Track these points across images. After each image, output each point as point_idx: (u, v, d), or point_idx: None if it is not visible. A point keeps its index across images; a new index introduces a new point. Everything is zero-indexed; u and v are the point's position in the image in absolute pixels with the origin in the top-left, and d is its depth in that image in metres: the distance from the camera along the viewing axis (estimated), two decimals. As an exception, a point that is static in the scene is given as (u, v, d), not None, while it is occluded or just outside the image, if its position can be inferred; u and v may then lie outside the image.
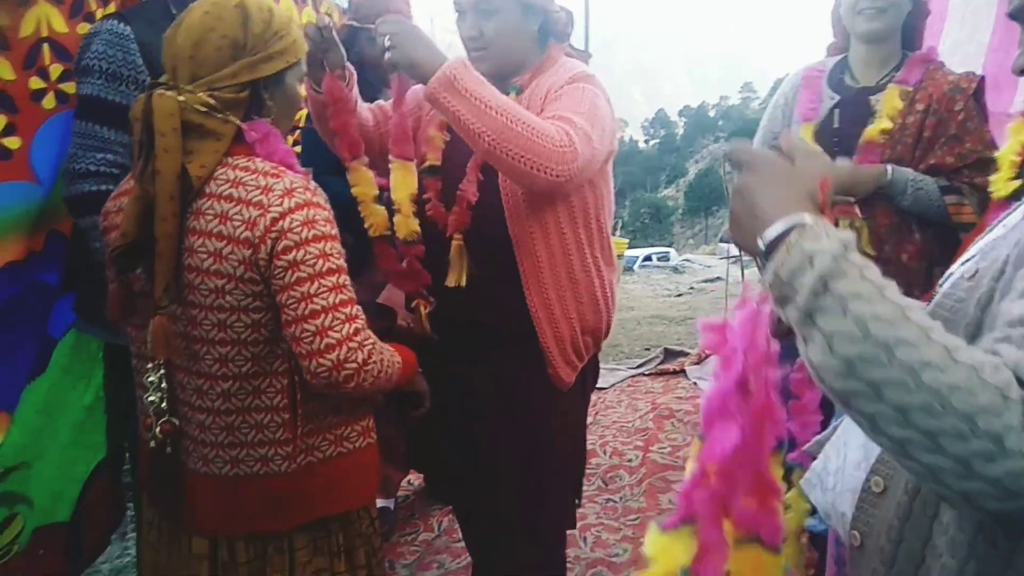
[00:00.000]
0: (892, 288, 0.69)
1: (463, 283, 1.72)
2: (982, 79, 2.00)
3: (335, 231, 1.31)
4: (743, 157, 0.84)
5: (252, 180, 1.27)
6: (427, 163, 1.78)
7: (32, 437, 1.87)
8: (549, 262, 1.72)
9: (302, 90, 1.48)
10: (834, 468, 1.02)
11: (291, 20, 1.37)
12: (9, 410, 1.81)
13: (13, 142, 1.76)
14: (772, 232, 0.75)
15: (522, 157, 1.47)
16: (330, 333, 1.26)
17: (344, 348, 1.27)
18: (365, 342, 1.31)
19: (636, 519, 2.94)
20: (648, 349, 5.61)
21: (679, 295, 8.20)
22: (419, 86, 1.69)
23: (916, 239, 1.94)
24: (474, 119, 1.46)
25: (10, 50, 1.72)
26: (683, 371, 4.86)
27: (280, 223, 1.24)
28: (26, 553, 1.91)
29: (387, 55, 1.51)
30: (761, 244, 0.76)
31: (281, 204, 1.25)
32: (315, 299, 1.26)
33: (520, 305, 1.72)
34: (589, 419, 3.72)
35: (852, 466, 0.96)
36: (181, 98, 1.25)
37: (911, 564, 0.83)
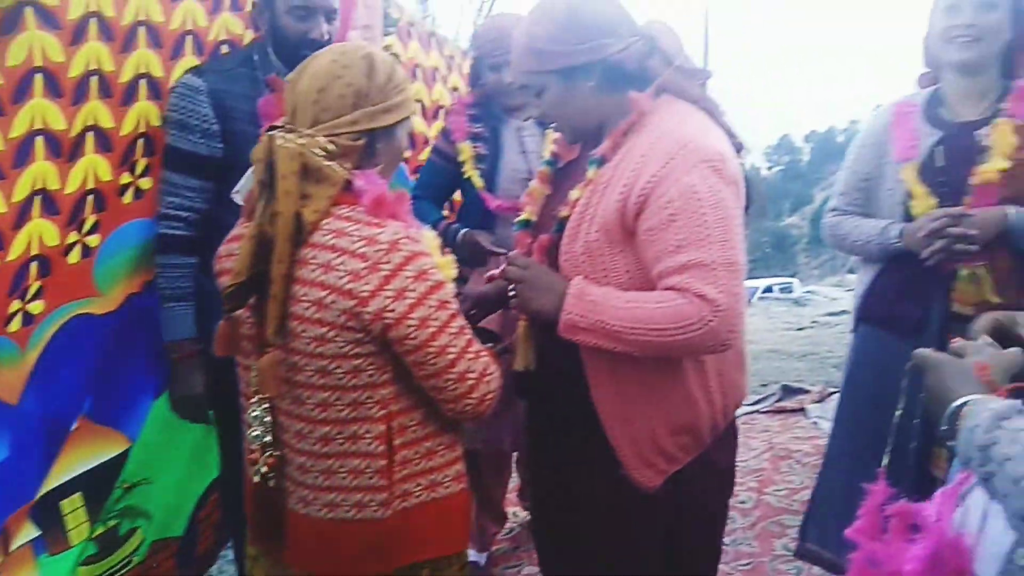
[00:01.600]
0: None
1: (532, 366, 1.59)
2: None
3: (442, 275, 1.33)
4: (922, 361, 1.03)
5: (355, 230, 1.28)
6: (522, 216, 1.66)
7: (154, 454, 1.98)
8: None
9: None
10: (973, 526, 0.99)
11: (407, 78, 1.41)
12: (123, 429, 1.92)
13: (147, 182, 1.93)
14: (948, 414, 0.91)
15: (672, 352, 1.43)
16: (469, 375, 1.34)
17: (483, 384, 1.36)
18: (494, 371, 1.39)
19: (748, 564, 2.82)
20: (765, 385, 5.38)
21: (800, 329, 7.85)
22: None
23: None
24: (611, 344, 1.41)
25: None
26: (802, 409, 4.61)
27: (393, 282, 1.26)
28: (144, 564, 2.02)
29: (512, 301, 1.53)
30: (943, 426, 0.91)
31: (390, 260, 1.26)
32: (448, 349, 1.31)
33: (587, 397, 1.51)
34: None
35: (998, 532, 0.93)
36: (302, 141, 1.28)
37: None
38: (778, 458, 3.86)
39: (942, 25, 1.86)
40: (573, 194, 1.50)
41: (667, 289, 1.39)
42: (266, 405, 1.34)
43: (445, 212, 2.69)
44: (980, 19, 1.80)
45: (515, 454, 2.82)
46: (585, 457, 1.56)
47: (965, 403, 0.89)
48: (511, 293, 1.52)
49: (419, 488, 1.38)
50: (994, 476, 0.81)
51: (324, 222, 1.29)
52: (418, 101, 3.04)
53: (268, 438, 1.35)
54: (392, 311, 1.25)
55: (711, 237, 1.36)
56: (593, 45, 1.44)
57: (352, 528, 1.36)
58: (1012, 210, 1.77)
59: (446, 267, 1.38)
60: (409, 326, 1.27)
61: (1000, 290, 1.81)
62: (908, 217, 1.92)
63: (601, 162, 1.48)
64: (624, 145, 1.47)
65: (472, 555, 2.72)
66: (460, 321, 1.34)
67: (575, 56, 1.44)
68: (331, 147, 1.29)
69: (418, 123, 3.01)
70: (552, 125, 1.63)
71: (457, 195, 2.69)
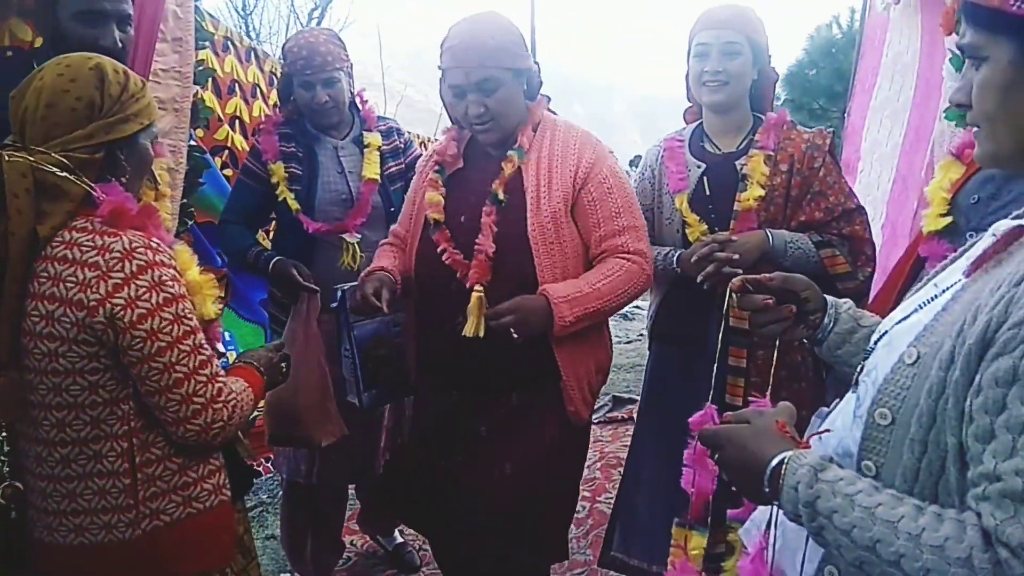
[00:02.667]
0: (862, 491, 0.81)
1: (481, 333, 1.78)
2: (832, 134, 2.09)
3: (183, 289, 1.30)
4: (712, 439, 1.00)
5: (88, 241, 1.24)
6: (431, 217, 1.89)
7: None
8: None
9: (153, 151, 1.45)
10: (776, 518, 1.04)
11: (145, 84, 1.37)
12: None
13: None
14: (767, 476, 0.90)
15: (627, 304, 1.89)
16: (195, 399, 1.29)
17: (210, 411, 1.30)
18: (228, 399, 1.33)
19: (583, 572, 2.86)
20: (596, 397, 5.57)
21: (628, 342, 8.20)
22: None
23: None
24: (590, 320, 1.79)
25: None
26: (631, 418, 4.81)
27: (124, 290, 1.22)
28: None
29: (514, 336, 1.72)
30: (766, 488, 0.90)
31: (122, 268, 1.23)
32: (177, 367, 1.27)
33: (544, 350, 1.81)
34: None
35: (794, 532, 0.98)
36: (33, 158, 1.22)
37: None
38: (609, 467, 4.00)
39: (694, 70, 2.05)
40: (504, 171, 1.83)
41: (606, 251, 1.83)
42: (2, 434, 1.29)
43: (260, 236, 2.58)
44: (725, 65, 1.97)
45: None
46: (541, 404, 1.86)
47: (781, 461, 0.89)
48: (514, 334, 1.73)
49: (171, 505, 1.35)
50: (824, 529, 0.82)
51: (58, 235, 1.25)
52: (237, 118, 2.93)
53: (5, 468, 1.29)
54: (121, 318, 1.22)
55: (633, 207, 1.88)
56: (527, 56, 1.83)
57: (102, 551, 1.31)
58: (770, 232, 1.97)
59: (205, 286, 1.37)
60: (136, 337, 1.23)
61: None
62: (686, 243, 2.07)
63: (522, 153, 1.85)
64: (535, 141, 1.86)
65: None
66: (196, 340, 1.30)
67: (522, 60, 1.81)
68: (65, 162, 1.24)
69: (239, 141, 2.89)
70: (488, 123, 1.82)
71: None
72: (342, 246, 2.38)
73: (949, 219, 1.52)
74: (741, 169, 2.03)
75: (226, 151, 2.85)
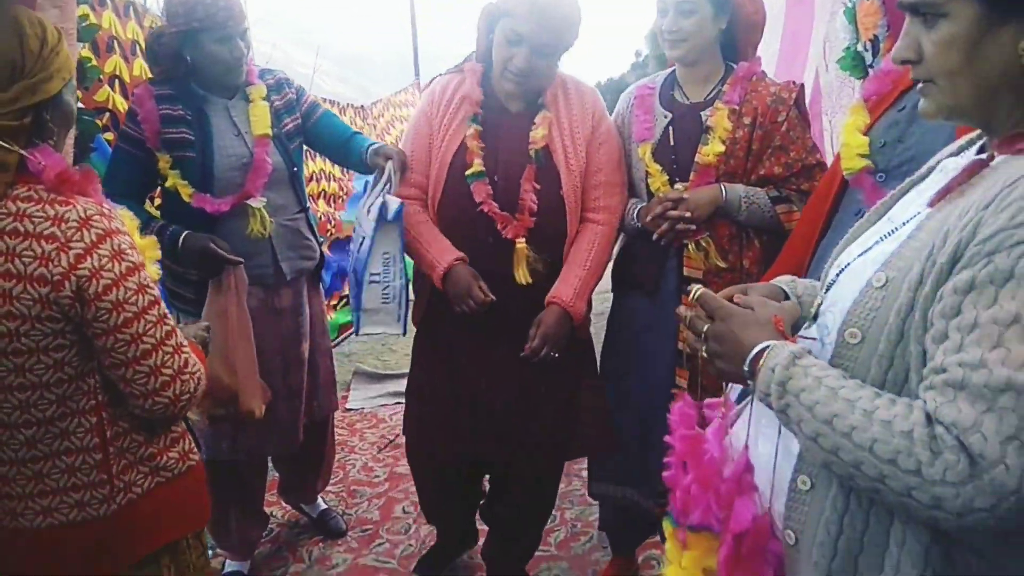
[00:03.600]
0: (831, 375, 0.90)
1: (531, 280, 1.97)
2: (801, 87, 2.08)
3: (141, 257, 1.26)
4: (711, 308, 1.06)
5: (39, 211, 1.16)
6: (473, 169, 1.97)
7: None
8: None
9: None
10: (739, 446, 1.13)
11: (62, 34, 1.26)
12: None
13: None
14: (750, 358, 0.98)
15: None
16: (163, 370, 1.25)
17: (179, 382, 1.28)
18: (195, 370, 1.31)
19: (367, 531, 2.91)
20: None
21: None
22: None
23: (755, 246, 2.05)
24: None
25: None
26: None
27: (87, 260, 1.16)
28: None
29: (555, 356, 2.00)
30: (745, 368, 0.98)
31: (82, 238, 1.17)
32: (144, 338, 1.23)
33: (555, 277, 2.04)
34: (356, 439, 3.84)
35: (764, 457, 1.07)
36: None
37: (851, 555, 0.94)
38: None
39: (657, 26, 2.05)
40: (539, 132, 1.99)
41: (590, 206, 2.05)
42: None
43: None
44: (681, 23, 1.97)
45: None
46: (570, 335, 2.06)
47: (766, 347, 0.97)
48: (552, 354, 1.98)
49: (140, 476, 1.32)
50: (789, 407, 0.90)
51: (1, 208, 1.16)
52: (117, 77, 2.71)
53: None
54: (87, 290, 1.17)
55: (615, 163, 2.08)
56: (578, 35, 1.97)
57: (75, 530, 1.28)
58: (725, 186, 1.97)
59: (148, 250, 1.32)
60: (102, 308, 1.18)
61: (723, 255, 2.02)
62: (650, 193, 2.08)
63: (547, 110, 2.02)
64: (551, 98, 2.03)
65: (235, 565, 2.58)
66: (160, 310, 1.26)
67: (575, 39, 1.97)
68: None
69: (120, 102, 2.69)
70: (522, 81, 1.95)
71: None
72: (248, 213, 2.21)
73: (867, 161, 1.61)
74: (705, 121, 2.03)
75: (107, 113, 2.62)
